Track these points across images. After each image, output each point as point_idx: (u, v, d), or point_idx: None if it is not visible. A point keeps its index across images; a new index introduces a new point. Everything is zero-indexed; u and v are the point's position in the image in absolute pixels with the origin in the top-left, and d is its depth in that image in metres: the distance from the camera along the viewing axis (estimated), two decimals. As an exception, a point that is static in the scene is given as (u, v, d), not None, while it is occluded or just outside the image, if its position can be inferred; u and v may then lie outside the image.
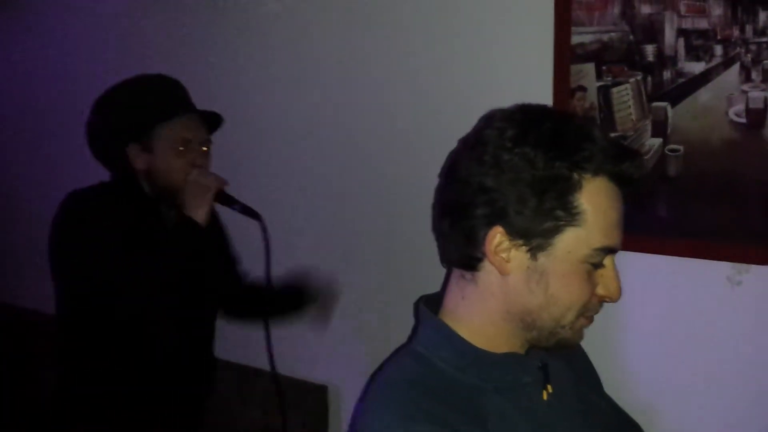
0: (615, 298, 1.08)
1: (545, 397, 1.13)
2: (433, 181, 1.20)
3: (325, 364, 2.38)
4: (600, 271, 1.06)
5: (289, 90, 2.38)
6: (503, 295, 1.07)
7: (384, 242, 2.22)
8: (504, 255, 1.04)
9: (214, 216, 2.09)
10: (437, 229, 1.13)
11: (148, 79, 2.06)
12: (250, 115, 2.48)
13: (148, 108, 2.00)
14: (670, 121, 1.69)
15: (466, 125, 1.19)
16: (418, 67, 2.08)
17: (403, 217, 2.15)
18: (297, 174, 2.40)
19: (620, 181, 1.05)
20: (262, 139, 2.47)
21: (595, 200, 1.02)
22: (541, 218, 1.02)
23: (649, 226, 1.71)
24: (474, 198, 1.04)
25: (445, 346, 1.11)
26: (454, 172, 1.09)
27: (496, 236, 1.04)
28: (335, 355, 2.36)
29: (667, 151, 1.69)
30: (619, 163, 1.04)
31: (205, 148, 2.06)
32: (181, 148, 2.00)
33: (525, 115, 1.06)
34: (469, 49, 1.98)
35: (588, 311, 1.08)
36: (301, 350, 2.41)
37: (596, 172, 1.02)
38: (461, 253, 1.09)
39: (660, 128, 1.70)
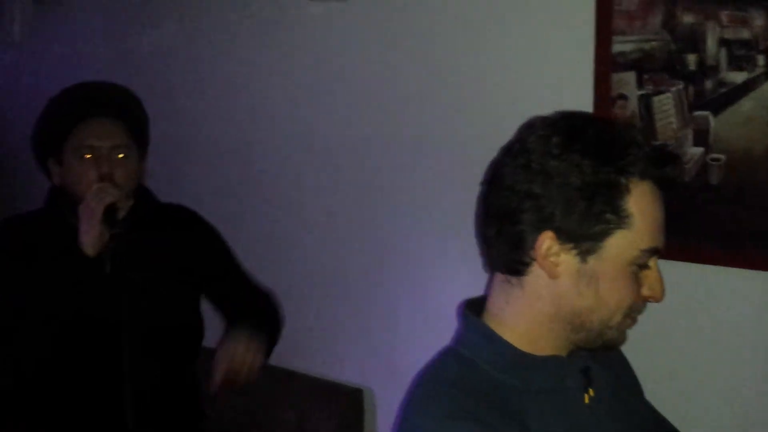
0: (659, 298, 1.10)
1: (586, 400, 1.14)
2: (472, 185, 1.21)
3: (360, 367, 2.39)
4: (645, 272, 1.09)
5: (316, 96, 2.40)
6: (552, 298, 1.09)
7: (418, 243, 2.23)
8: (553, 259, 1.06)
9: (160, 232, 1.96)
10: (481, 236, 1.15)
11: (69, 88, 1.96)
12: (273, 120, 2.50)
13: (57, 118, 1.91)
14: (711, 130, 1.69)
15: (507, 133, 1.20)
16: (457, 75, 2.09)
17: (443, 219, 2.16)
18: (327, 174, 2.41)
19: (663, 184, 1.08)
20: (294, 144, 2.48)
21: (642, 203, 1.05)
22: (590, 222, 1.04)
23: (689, 234, 1.71)
24: (521, 204, 1.06)
25: (488, 348, 1.12)
26: (498, 180, 1.11)
27: (546, 241, 1.06)
28: (370, 357, 2.37)
29: (708, 160, 1.69)
30: (663, 166, 1.07)
31: (121, 155, 1.89)
32: (87, 156, 1.85)
33: (568, 122, 1.09)
34: (510, 58, 1.99)
35: (633, 312, 1.10)
36: (335, 352, 2.43)
37: (642, 176, 1.05)
38: (508, 258, 1.11)
39: (702, 137, 1.70)
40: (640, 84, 1.77)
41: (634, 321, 1.11)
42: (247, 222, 2.56)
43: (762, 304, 1.65)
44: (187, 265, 2.01)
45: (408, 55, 2.19)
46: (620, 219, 1.04)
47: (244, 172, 2.59)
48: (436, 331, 1.54)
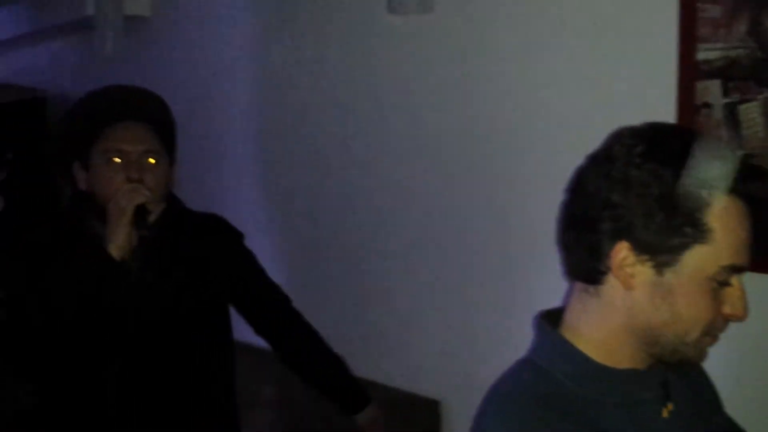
0: (741, 317, 1.07)
1: (665, 414, 1.12)
2: (558, 193, 1.20)
3: (437, 378, 2.39)
4: (727, 290, 1.06)
5: (402, 102, 2.43)
6: (626, 309, 1.07)
7: (500, 253, 2.22)
8: (629, 270, 1.05)
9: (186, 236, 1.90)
10: (561, 243, 1.14)
11: (97, 91, 1.89)
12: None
13: (85, 120, 1.84)
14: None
15: (589, 141, 1.19)
16: (538, 83, 2.08)
17: (522, 227, 2.16)
18: (411, 180, 2.43)
19: (748, 200, 1.05)
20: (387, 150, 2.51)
21: (724, 218, 1.03)
22: (668, 234, 1.02)
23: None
24: (600, 212, 1.05)
25: (565, 360, 1.11)
26: (580, 187, 1.10)
27: (622, 251, 1.04)
28: (447, 369, 2.37)
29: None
30: (749, 182, 1.04)
31: (152, 160, 1.82)
32: (116, 160, 1.78)
33: (654, 132, 1.07)
34: (593, 65, 1.97)
35: (713, 330, 1.07)
36: (412, 363, 2.43)
37: (726, 191, 1.03)
38: (585, 266, 1.10)
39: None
40: (726, 92, 1.73)
41: (714, 339, 1.08)
42: (333, 225, 2.60)
43: None
44: (214, 272, 1.95)
45: (485, 65, 2.19)
46: (700, 233, 1.02)
47: (344, 177, 2.64)
48: (514, 343, 1.53)
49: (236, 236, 2.05)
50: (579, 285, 1.14)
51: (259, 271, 2.08)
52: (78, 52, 4.13)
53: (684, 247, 1.02)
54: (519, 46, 2.12)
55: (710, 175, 1.02)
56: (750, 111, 1.70)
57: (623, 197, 1.03)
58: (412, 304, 2.43)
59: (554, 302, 1.28)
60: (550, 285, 1.90)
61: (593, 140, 1.15)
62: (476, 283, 2.28)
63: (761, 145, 1.68)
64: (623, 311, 1.08)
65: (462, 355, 2.32)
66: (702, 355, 1.09)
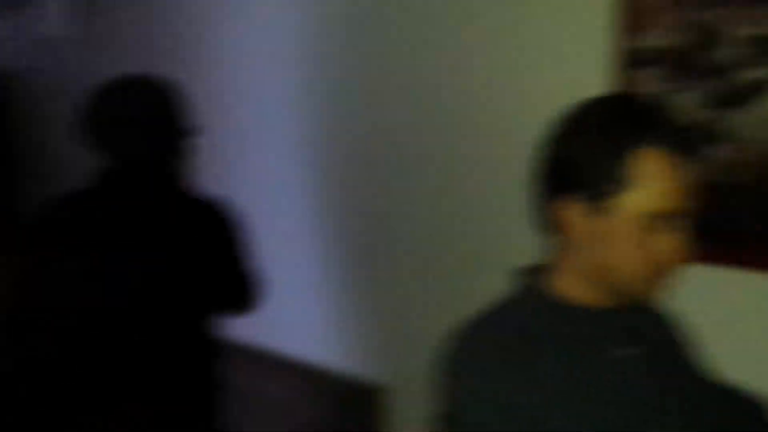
0: (676, 259, 1.15)
1: (618, 355, 1.19)
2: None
3: (381, 364, 2.40)
4: (662, 233, 1.14)
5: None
6: (580, 253, 1.17)
7: (432, 241, 2.23)
8: (576, 219, 1.15)
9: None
10: (529, 200, 1.27)
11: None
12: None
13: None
14: (735, 127, 1.65)
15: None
16: (479, 70, 2.08)
17: (463, 217, 2.16)
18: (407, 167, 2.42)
19: (677, 151, 1.13)
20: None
21: (652, 167, 1.11)
22: (601, 182, 1.12)
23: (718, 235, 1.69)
24: (547, 169, 1.17)
25: (530, 301, 1.21)
26: (538, 152, 1.22)
27: (565, 201, 1.15)
28: (392, 355, 2.37)
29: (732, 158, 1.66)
30: (676, 133, 1.13)
31: None
32: None
33: (598, 97, 1.17)
34: (524, 53, 1.98)
35: (657, 268, 1.15)
36: (357, 349, 2.43)
37: (653, 142, 1.11)
38: (542, 218, 1.21)
39: (725, 134, 1.67)
40: (662, 81, 1.73)
41: (661, 280, 1.16)
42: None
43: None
44: (187, 256, 1.98)
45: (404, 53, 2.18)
46: (629, 181, 1.11)
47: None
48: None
49: (222, 222, 2.05)
50: (543, 235, 1.24)
51: (233, 259, 2.08)
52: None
53: (618, 193, 1.11)
54: (443, 34, 2.12)
55: (639, 126, 1.11)
56: (685, 99, 1.70)
57: (564, 152, 1.14)
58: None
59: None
60: (491, 271, 1.91)
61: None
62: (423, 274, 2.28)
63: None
64: (580, 255, 1.18)
65: (405, 341, 2.33)
66: (653, 292, 1.17)
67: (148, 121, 1.96)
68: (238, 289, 2.13)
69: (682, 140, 1.13)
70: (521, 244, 1.61)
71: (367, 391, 2.39)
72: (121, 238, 1.91)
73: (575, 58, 1.88)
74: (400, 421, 2.34)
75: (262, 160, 2.74)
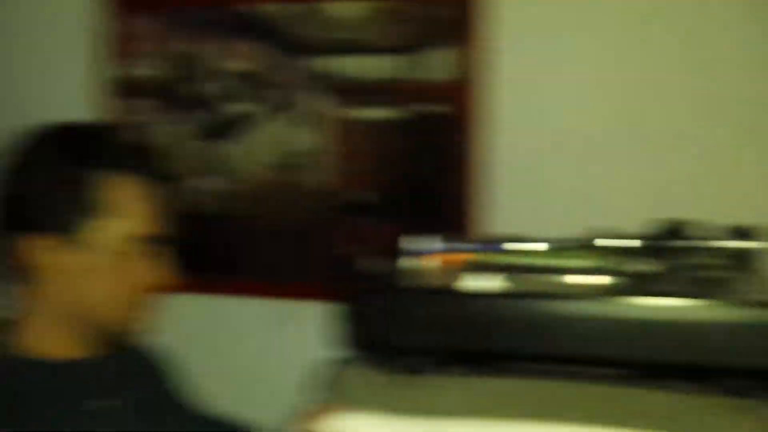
0: (156, 285, 1.12)
1: (95, 407, 1.11)
2: None
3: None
4: (141, 260, 1.10)
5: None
6: (54, 296, 1.08)
7: None
8: (45, 259, 1.06)
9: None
10: None
11: None
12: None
13: None
14: (226, 159, 1.70)
15: None
16: None
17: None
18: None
19: (145, 177, 1.10)
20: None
21: (117, 194, 1.07)
22: (68, 216, 1.05)
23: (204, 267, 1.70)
24: (8, 207, 1.07)
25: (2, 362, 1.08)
26: None
27: (33, 240, 1.05)
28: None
29: (225, 190, 1.70)
30: (138, 158, 1.11)
31: None
32: None
33: (50, 128, 1.10)
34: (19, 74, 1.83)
35: (134, 302, 1.11)
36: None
37: (113, 168, 1.07)
38: (11, 264, 1.08)
39: (216, 166, 1.71)
40: (153, 111, 1.72)
41: (140, 310, 1.12)
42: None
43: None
44: None
45: None
46: (97, 209, 1.06)
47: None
48: None
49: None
50: (17, 285, 1.11)
51: None
52: None
53: (86, 224, 1.05)
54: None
55: (94, 154, 1.07)
56: (177, 131, 1.71)
57: (18, 188, 1.05)
58: None
59: None
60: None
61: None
62: None
63: (188, 164, 1.71)
64: (51, 299, 1.08)
65: None
66: (131, 326, 1.13)
67: None
68: None
69: (148, 166, 1.11)
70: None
71: None
72: None
73: (64, 84, 1.78)
74: None
75: None
